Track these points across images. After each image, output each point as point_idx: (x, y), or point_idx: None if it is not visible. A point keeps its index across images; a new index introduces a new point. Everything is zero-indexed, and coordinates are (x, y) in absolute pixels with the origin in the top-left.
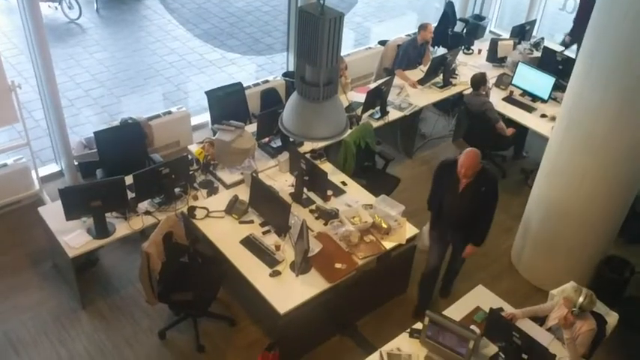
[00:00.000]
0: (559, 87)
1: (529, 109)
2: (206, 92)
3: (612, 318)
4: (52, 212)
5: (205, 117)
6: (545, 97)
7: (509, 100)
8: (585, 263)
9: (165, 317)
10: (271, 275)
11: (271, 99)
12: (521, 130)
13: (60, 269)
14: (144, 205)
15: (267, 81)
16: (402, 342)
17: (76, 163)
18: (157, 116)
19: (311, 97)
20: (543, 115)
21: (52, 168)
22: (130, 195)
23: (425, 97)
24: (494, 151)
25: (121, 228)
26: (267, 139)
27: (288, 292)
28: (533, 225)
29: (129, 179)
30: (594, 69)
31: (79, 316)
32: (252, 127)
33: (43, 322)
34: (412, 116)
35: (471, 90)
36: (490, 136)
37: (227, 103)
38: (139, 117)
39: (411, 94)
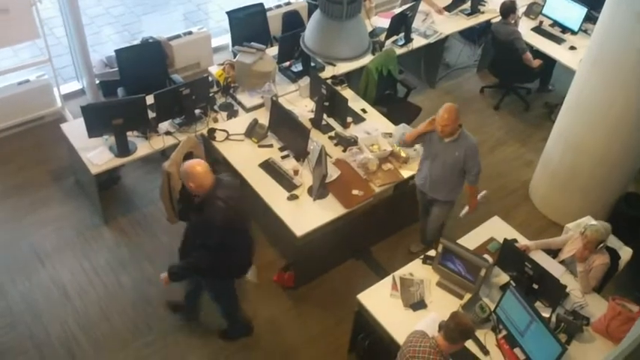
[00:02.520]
0: (590, 18)
1: (558, 41)
2: (227, 12)
3: (626, 253)
4: (75, 129)
5: (226, 39)
6: (576, 28)
7: (538, 30)
8: (603, 199)
9: None
10: (289, 199)
11: (293, 22)
12: (549, 63)
13: (82, 185)
14: (164, 126)
15: (289, 3)
16: (415, 268)
17: (97, 82)
18: (178, 36)
19: (334, 15)
20: (572, 47)
21: (74, 86)
22: (151, 115)
23: (451, 24)
24: (520, 83)
25: (142, 147)
26: (288, 63)
27: (304, 215)
28: (554, 159)
29: (150, 99)
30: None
31: (101, 231)
32: (273, 51)
33: (67, 235)
34: (437, 44)
35: (499, 18)
36: (516, 67)
37: (248, 25)
38: (159, 36)
39: (437, 21)
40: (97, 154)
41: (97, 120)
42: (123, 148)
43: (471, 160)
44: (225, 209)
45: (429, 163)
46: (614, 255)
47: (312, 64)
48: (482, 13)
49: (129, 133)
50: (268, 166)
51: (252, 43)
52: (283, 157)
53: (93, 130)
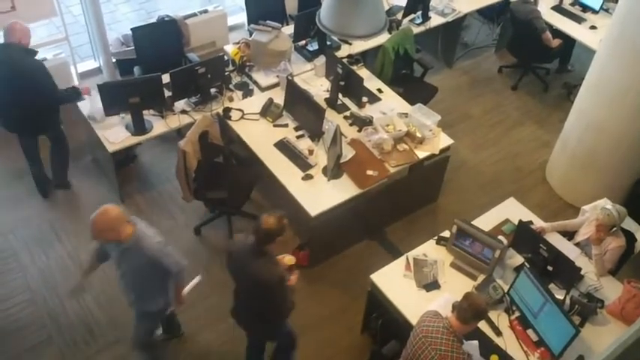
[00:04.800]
0: None
1: (578, 20)
2: None
3: None
4: (92, 108)
5: (242, 17)
6: (597, 7)
7: (559, 9)
8: (621, 181)
9: (201, 214)
10: (303, 179)
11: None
12: (568, 42)
13: (99, 163)
14: (180, 104)
15: None
16: (429, 248)
17: (113, 60)
18: (194, 15)
19: None
20: (593, 27)
21: (91, 64)
22: (167, 93)
23: (469, 2)
24: (538, 63)
25: (158, 126)
26: (303, 42)
27: (319, 195)
28: (572, 140)
29: (166, 78)
30: None
31: None
32: (288, 30)
33: (84, 212)
34: (455, 23)
35: None
36: (535, 46)
37: (264, 3)
38: (175, 15)
39: None
40: (113, 133)
41: (113, 98)
42: (139, 127)
43: (162, 263)
44: None
45: (116, 268)
46: (630, 238)
47: (328, 42)
48: None
49: (145, 112)
50: (283, 146)
51: (268, 22)
52: (298, 137)
53: (110, 109)
